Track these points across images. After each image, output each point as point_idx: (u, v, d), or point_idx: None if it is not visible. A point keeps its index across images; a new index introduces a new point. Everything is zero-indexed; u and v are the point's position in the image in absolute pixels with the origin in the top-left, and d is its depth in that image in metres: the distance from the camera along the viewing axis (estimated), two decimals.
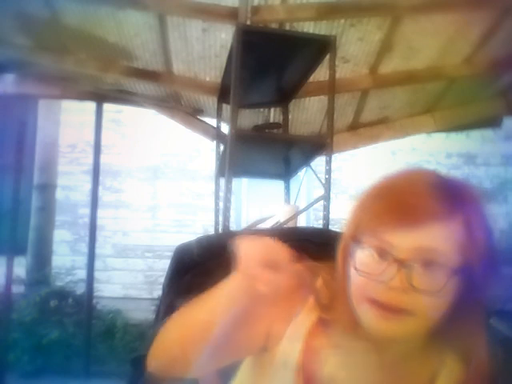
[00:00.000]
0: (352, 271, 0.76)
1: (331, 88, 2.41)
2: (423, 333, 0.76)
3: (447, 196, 0.74)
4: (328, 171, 2.40)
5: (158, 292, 1.32)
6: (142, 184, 5.69)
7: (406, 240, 0.72)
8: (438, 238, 0.72)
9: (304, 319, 0.82)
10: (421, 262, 0.71)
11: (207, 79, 3.03)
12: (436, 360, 0.81)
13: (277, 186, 3.39)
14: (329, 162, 2.39)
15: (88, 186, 4.58)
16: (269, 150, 2.71)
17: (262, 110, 3.30)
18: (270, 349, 0.82)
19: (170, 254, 1.14)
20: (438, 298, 0.72)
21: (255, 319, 0.80)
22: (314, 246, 0.82)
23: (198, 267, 1.08)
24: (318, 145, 2.53)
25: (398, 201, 0.74)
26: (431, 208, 0.72)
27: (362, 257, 0.75)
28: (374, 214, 0.74)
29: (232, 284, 0.74)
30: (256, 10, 2.38)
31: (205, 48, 2.73)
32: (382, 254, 0.73)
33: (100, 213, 4.27)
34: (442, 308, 0.73)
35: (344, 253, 0.79)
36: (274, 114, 3.32)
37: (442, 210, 0.72)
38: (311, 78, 2.70)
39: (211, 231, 3.33)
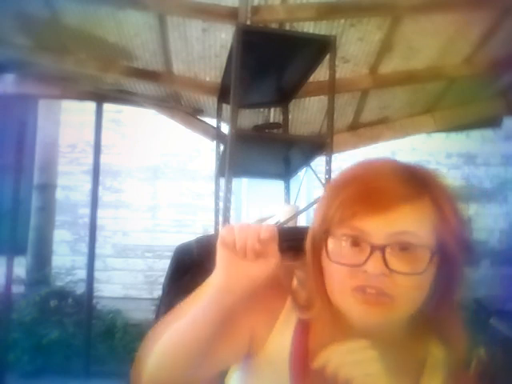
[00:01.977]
0: (328, 264, 0.75)
1: (331, 88, 2.41)
2: (406, 318, 0.76)
3: (412, 179, 0.74)
4: (328, 171, 2.40)
5: (158, 292, 1.32)
6: (142, 184, 5.69)
7: (378, 225, 0.71)
8: (411, 220, 0.72)
9: (287, 320, 0.81)
10: (397, 246, 0.71)
11: (207, 79, 3.03)
12: (421, 348, 0.81)
13: (277, 186, 3.39)
14: (329, 162, 2.39)
15: (88, 186, 4.59)
16: (269, 150, 2.71)
17: (261, 110, 3.30)
18: (255, 353, 0.81)
19: (170, 254, 1.14)
20: (418, 279, 0.72)
21: (237, 325, 0.78)
22: None
23: (198, 267, 1.08)
24: (318, 145, 2.53)
25: (366, 187, 0.73)
26: (399, 191, 0.72)
27: (336, 247, 0.74)
28: (342, 203, 0.73)
29: (210, 286, 0.73)
30: (256, 9, 2.37)
31: (205, 48, 2.73)
32: (356, 242, 0.73)
33: (100, 213, 4.27)
34: (424, 290, 0.73)
35: (315, 247, 0.78)
36: (274, 114, 3.32)
37: (410, 191, 0.72)
38: (311, 78, 2.70)
39: (211, 231, 3.33)
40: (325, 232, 0.75)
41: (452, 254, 0.74)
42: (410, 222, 0.72)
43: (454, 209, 0.76)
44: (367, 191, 0.73)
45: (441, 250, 0.73)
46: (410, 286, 0.71)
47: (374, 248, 0.71)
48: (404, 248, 0.71)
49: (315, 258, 0.78)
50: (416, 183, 0.74)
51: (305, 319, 0.80)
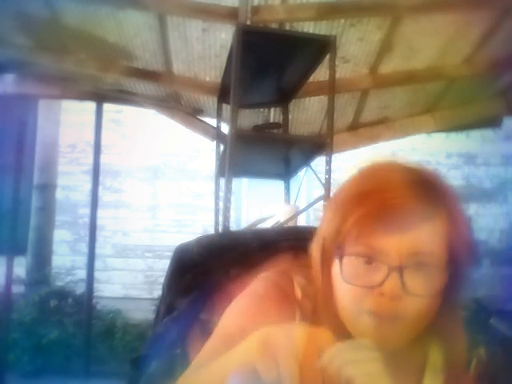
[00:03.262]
0: (340, 283, 0.73)
1: (331, 88, 2.41)
2: (415, 332, 0.75)
3: (428, 191, 0.72)
4: (328, 171, 2.40)
5: (157, 292, 1.32)
6: (142, 184, 5.69)
7: (396, 245, 0.69)
8: (428, 239, 0.70)
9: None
10: (412, 266, 0.69)
11: (207, 79, 3.03)
12: (422, 349, 0.81)
13: (277, 186, 3.39)
14: (329, 162, 2.39)
15: (88, 186, 4.59)
16: (269, 150, 2.71)
17: (261, 110, 3.30)
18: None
19: (170, 254, 1.13)
20: (432, 299, 0.71)
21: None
22: None
23: (198, 267, 1.08)
24: (318, 145, 2.53)
25: (381, 203, 0.70)
26: (418, 208, 0.70)
27: (350, 266, 0.71)
28: (360, 221, 0.70)
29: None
30: (256, 9, 2.38)
31: (205, 48, 2.73)
32: (370, 260, 0.70)
33: (100, 213, 4.27)
34: (435, 308, 0.72)
35: (325, 261, 0.75)
36: (274, 114, 3.32)
37: (428, 208, 0.70)
38: (311, 78, 2.70)
39: (211, 231, 3.33)
40: (338, 247, 0.72)
41: (462, 266, 0.73)
42: (428, 242, 0.70)
43: (466, 220, 0.75)
44: (385, 208, 0.70)
45: (452, 262, 0.72)
46: (423, 306, 0.70)
47: (391, 269, 0.68)
48: (418, 267, 0.69)
49: (325, 274, 0.76)
50: (432, 197, 0.72)
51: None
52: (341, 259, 0.72)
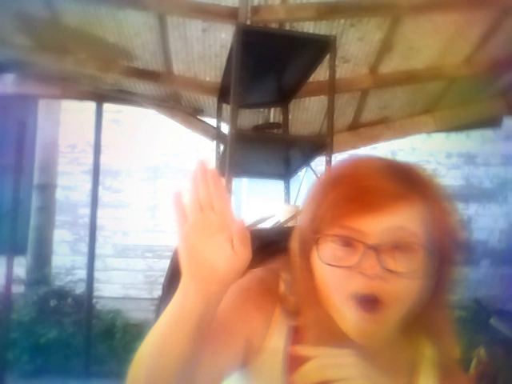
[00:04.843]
0: (320, 267, 0.73)
1: (331, 88, 2.41)
2: (400, 321, 0.74)
3: (401, 177, 0.72)
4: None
5: (157, 292, 1.32)
6: (142, 184, 5.69)
7: (371, 224, 0.69)
8: (404, 218, 0.70)
9: (280, 325, 0.79)
10: (391, 245, 0.69)
11: (207, 79, 3.03)
12: (413, 349, 0.80)
13: (277, 185, 3.38)
14: (329, 162, 2.39)
15: (88, 186, 4.59)
16: (269, 149, 2.71)
17: (261, 110, 3.30)
18: (251, 361, 0.79)
19: (170, 254, 1.13)
20: (413, 279, 0.70)
21: (231, 335, 0.76)
22: None
23: None
24: (318, 145, 2.53)
25: (357, 185, 0.71)
26: (390, 189, 0.70)
27: (328, 248, 0.72)
28: (334, 203, 0.71)
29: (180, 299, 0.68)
30: (256, 9, 2.38)
31: (205, 48, 2.73)
32: (349, 242, 0.70)
33: (100, 213, 4.27)
34: (416, 290, 0.72)
35: (303, 248, 0.76)
36: (274, 114, 3.32)
37: (401, 189, 0.71)
38: (311, 78, 2.70)
39: None
40: (315, 232, 0.73)
41: (443, 253, 0.73)
42: (403, 219, 0.70)
43: (445, 207, 0.75)
44: (358, 189, 0.71)
45: (432, 248, 0.71)
46: (404, 286, 0.70)
47: (367, 247, 0.68)
48: (398, 246, 0.69)
49: (304, 261, 0.76)
50: (405, 181, 0.72)
51: (296, 324, 0.79)
52: (318, 244, 0.72)
